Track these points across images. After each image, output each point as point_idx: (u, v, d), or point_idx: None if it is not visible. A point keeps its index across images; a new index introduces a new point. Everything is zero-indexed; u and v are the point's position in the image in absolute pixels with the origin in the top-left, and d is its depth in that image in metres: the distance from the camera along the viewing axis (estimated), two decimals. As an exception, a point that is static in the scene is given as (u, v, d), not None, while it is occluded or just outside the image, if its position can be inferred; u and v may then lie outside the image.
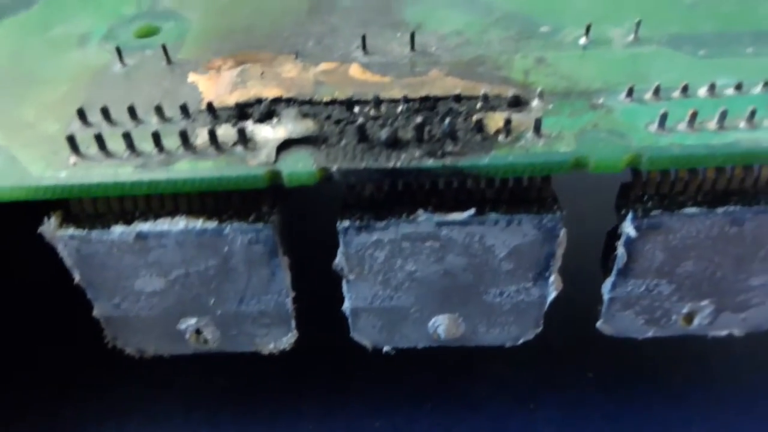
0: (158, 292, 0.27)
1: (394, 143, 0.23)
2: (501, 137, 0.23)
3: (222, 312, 0.27)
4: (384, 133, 0.23)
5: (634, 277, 0.26)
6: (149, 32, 0.33)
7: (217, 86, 0.28)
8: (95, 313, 0.28)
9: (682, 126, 0.23)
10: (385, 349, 0.29)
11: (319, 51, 0.29)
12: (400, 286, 0.26)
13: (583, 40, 0.28)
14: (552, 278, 0.26)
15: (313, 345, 0.29)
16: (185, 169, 0.23)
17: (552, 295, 0.26)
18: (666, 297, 0.26)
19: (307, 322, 0.28)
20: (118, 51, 0.29)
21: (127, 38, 0.32)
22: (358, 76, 0.27)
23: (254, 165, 0.23)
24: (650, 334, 0.28)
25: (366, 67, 0.28)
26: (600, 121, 0.23)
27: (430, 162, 0.22)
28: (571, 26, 0.29)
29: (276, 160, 0.23)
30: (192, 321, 0.28)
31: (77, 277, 0.26)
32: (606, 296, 0.26)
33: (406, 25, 0.31)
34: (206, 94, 0.27)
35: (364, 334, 0.28)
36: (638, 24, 0.27)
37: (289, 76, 0.28)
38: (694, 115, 0.22)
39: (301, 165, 0.23)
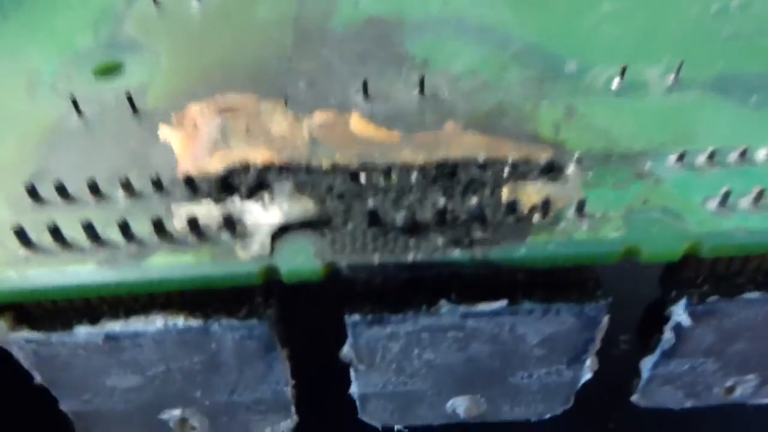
0: (135, 387, 0.23)
1: (412, 229, 0.20)
2: (537, 217, 0.20)
3: (211, 402, 0.24)
4: (399, 217, 0.20)
5: (679, 357, 0.23)
6: (110, 69, 0.28)
7: (195, 146, 0.23)
8: (62, 407, 0.24)
9: (745, 202, 0.20)
10: (397, 428, 0.26)
11: (312, 96, 0.25)
12: (416, 372, 0.23)
13: (616, 83, 0.25)
14: (588, 362, 0.23)
15: (316, 429, 0.26)
16: (160, 264, 0.19)
17: (587, 376, 0.23)
18: (710, 373, 0.24)
19: (309, 405, 0.25)
20: (74, 102, 0.25)
21: (84, 77, 0.27)
22: (361, 131, 0.24)
23: (246, 259, 0.19)
24: (688, 404, 0.25)
25: (369, 117, 0.24)
26: (650, 195, 0.20)
27: (456, 253, 0.19)
28: (601, 63, 0.26)
29: (272, 251, 0.20)
30: (176, 412, 0.24)
31: (38, 378, 0.22)
32: (645, 373, 0.24)
33: (411, 60, 0.27)
34: (182, 157, 0.23)
35: (374, 417, 0.25)
36: (680, 66, 0.24)
37: (279, 131, 0.24)
38: (760, 193, 0.19)
39: (301, 259, 0.19)
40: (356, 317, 0.20)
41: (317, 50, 0.28)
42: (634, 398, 0.25)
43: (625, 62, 0.25)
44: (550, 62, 0.26)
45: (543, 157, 0.21)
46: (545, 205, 0.19)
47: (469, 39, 0.27)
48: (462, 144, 0.23)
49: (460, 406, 0.24)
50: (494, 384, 0.23)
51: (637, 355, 0.24)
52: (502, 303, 0.20)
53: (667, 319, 0.21)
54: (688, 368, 0.23)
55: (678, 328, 0.21)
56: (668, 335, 0.22)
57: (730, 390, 0.25)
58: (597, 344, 0.22)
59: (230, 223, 0.20)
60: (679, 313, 0.21)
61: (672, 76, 0.24)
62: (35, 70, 0.28)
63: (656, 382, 0.24)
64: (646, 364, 0.23)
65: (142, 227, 0.20)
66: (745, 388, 0.25)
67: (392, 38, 0.28)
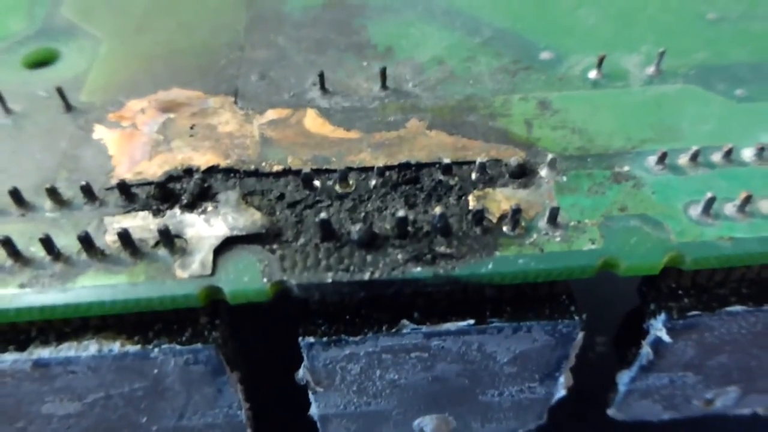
0: (74, 414, 0.21)
1: (370, 243, 0.18)
2: (506, 228, 0.18)
3: (158, 428, 0.22)
4: (356, 230, 0.18)
5: (657, 372, 0.21)
6: (44, 59, 0.25)
7: (133, 147, 0.21)
8: (-3, 434, 0.22)
9: (731, 209, 0.18)
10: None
11: (264, 89, 0.23)
12: (379, 393, 0.21)
13: (593, 74, 0.23)
14: (562, 378, 0.21)
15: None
16: (89, 287, 0.17)
17: (561, 393, 0.22)
18: (690, 386, 0.22)
19: (267, 427, 0.23)
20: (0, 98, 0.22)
21: (13, 68, 0.25)
22: (317, 130, 0.22)
23: (184, 278, 0.17)
24: (666, 417, 0.24)
25: (325, 114, 0.22)
26: (628, 201, 0.19)
27: (417, 270, 0.17)
28: (577, 52, 0.24)
29: (214, 270, 0.18)
30: (122, 437, 0.23)
31: (-37, 405, 0.20)
32: (622, 388, 0.22)
33: (373, 49, 0.25)
34: (118, 160, 0.21)
35: (336, 437, 0.24)
36: (661, 55, 0.22)
37: (226, 130, 0.22)
38: (746, 199, 0.18)
39: (247, 278, 0.17)
40: (311, 339, 0.19)
41: (272, 37, 0.26)
42: (611, 412, 0.24)
43: (602, 51, 0.23)
44: (523, 50, 0.24)
45: (513, 159, 0.19)
46: (515, 214, 0.18)
47: (436, 24, 0.25)
48: (426, 144, 0.21)
49: (427, 425, 0.22)
50: (463, 402, 0.22)
51: (613, 364, 0.23)
52: (468, 322, 0.18)
53: (645, 331, 0.20)
54: (667, 382, 0.22)
55: (656, 344, 0.20)
56: (646, 350, 0.20)
57: (710, 402, 0.24)
58: (571, 361, 0.20)
59: (168, 238, 0.18)
60: (658, 328, 0.19)
61: (653, 67, 0.23)
62: (-42, 60, 0.25)
63: (633, 396, 0.23)
64: (623, 378, 0.22)
65: (69, 243, 0.18)
66: (725, 400, 0.23)
67: (353, 23, 0.26)
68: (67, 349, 0.18)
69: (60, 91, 0.22)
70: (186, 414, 0.21)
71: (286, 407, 0.23)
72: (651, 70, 0.23)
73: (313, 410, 0.22)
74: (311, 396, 0.22)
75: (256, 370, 0.22)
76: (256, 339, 0.23)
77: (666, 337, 0.19)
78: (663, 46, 0.23)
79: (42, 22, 0.27)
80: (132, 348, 0.18)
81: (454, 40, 0.24)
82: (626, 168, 0.19)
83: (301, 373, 0.20)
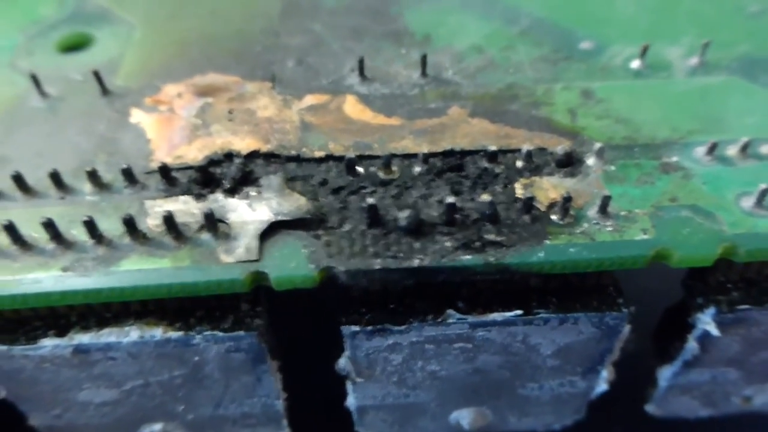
0: (110, 402, 0.21)
1: (418, 229, 0.18)
2: (555, 217, 0.18)
3: (195, 416, 0.22)
4: (404, 216, 0.17)
5: (700, 367, 0.21)
6: (78, 43, 0.25)
7: (171, 131, 0.21)
8: (31, 422, 0.22)
9: (784, 199, 0.18)
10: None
11: (301, 75, 0.23)
12: (419, 384, 0.21)
13: (636, 64, 0.22)
14: (605, 372, 0.21)
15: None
16: (133, 270, 0.17)
17: (602, 387, 0.22)
18: (731, 382, 0.22)
19: (303, 417, 0.23)
20: (35, 79, 0.22)
21: (47, 52, 0.25)
22: (357, 116, 0.21)
23: (229, 263, 0.17)
24: (703, 414, 0.24)
25: (365, 100, 0.22)
26: (678, 192, 0.18)
27: (467, 258, 0.17)
28: (618, 42, 0.23)
29: (259, 255, 0.17)
30: (157, 427, 0.22)
31: (2, 393, 0.20)
32: (663, 383, 0.22)
33: (411, 36, 0.24)
34: (157, 144, 0.20)
35: (372, 429, 0.23)
36: (705, 46, 0.22)
37: (265, 115, 0.21)
38: (801, 190, 0.17)
39: (293, 264, 0.17)
40: (354, 328, 0.18)
41: (307, 24, 0.25)
42: (650, 408, 0.23)
43: (643, 41, 0.23)
44: (563, 40, 0.23)
45: (560, 147, 0.19)
46: (566, 203, 0.17)
47: (473, 12, 0.25)
48: (468, 132, 0.20)
49: (464, 418, 0.22)
50: (502, 395, 0.22)
51: (651, 360, 0.23)
52: (515, 312, 0.18)
53: (690, 326, 0.20)
54: (709, 378, 0.22)
55: (704, 338, 0.19)
56: (692, 345, 0.20)
57: (749, 399, 0.23)
58: (615, 354, 0.20)
59: (212, 222, 0.18)
60: (707, 322, 0.19)
61: (696, 57, 0.22)
62: (-8, 43, 0.25)
63: (674, 392, 0.22)
64: (665, 373, 0.22)
65: (112, 226, 0.18)
66: (764, 397, 0.23)
67: (389, 10, 0.26)
68: (108, 335, 0.18)
69: (96, 75, 0.22)
70: (223, 403, 0.21)
71: (322, 398, 0.22)
72: (694, 61, 0.22)
73: (350, 401, 0.22)
74: (348, 387, 0.21)
75: (293, 359, 0.22)
76: (292, 328, 0.23)
77: (715, 331, 0.19)
78: (704, 38, 0.22)
79: (74, 7, 0.26)
80: (174, 334, 0.18)
81: (492, 28, 0.24)
82: (674, 158, 0.19)
83: (342, 363, 0.20)
